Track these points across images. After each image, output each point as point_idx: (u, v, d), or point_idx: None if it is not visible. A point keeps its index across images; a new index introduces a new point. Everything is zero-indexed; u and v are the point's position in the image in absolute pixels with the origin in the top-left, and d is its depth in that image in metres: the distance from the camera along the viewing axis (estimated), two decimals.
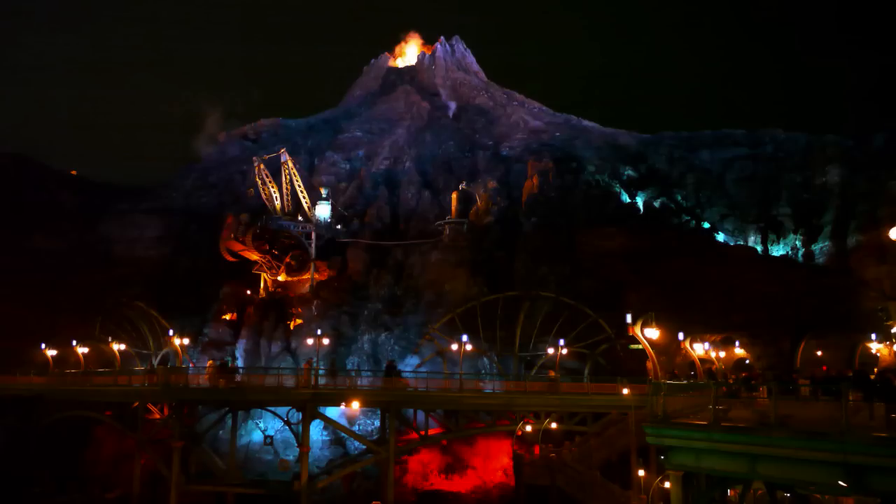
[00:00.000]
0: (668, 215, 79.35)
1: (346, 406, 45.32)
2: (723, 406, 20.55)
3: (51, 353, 58.74)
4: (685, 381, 33.21)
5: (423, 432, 43.81)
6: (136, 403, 47.25)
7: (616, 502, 37.57)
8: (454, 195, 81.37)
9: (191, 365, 55.71)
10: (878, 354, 38.97)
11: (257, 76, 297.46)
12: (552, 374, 45.64)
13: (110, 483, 51.32)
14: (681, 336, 40.60)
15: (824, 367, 33.15)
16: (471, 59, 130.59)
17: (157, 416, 48.00)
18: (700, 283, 59.81)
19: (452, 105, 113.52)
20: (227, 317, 72.44)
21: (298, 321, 68.22)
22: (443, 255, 71.62)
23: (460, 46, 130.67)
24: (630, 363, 47.39)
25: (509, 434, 45.21)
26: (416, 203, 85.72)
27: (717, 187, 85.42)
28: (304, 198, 79.36)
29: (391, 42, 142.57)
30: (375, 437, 49.35)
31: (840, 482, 16.94)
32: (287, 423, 45.73)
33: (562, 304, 52.97)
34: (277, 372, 48.04)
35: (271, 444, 52.50)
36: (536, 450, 43.69)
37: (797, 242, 75.34)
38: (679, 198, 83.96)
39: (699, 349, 42.04)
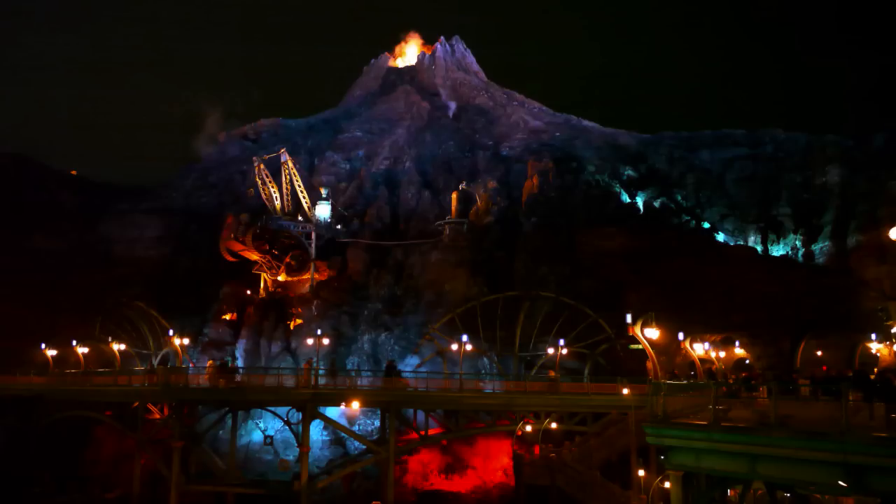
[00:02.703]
0: (668, 215, 79.36)
1: (346, 406, 45.33)
2: (723, 406, 20.55)
3: (51, 353, 58.73)
4: (685, 381, 33.20)
5: (423, 432, 43.81)
6: (136, 403, 47.25)
7: (616, 502, 37.56)
8: (454, 195, 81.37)
9: (191, 365, 55.71)
10: (878, 354, 38.97)
11: (257, 76, 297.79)
12: (552, 374, 45.64)
13: (110, 483, 51.32)
14: (681, 336, 40.60)
15: (824, 367, 33.17)
16: (471, 59, 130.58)
17: (157, 416, 48.00)
18: (700, 283, 59.82)
19: (452, 105, 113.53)
20: (227, 317, 72.45)
21: (298, 321, 68.23)
22: (443, 255, 71.62)
23: (460, 46, 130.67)
24: (630, 363, 47.39)
25: (509, 434, 45.20)
26: (416, 203, 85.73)
27: (717, 187, 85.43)
28: (304, 198, 79.37)
29: (391, 42, 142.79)
30: (375, 437, 49.36)
31: (840, 482, 16.94)
32: (287, 423, 45.75)
33: (562, 304, 52.96)
34: (277, 372, 48.03)
35: (271, 444, 52.50)
36: (536, 450, 43.69)
37: (797, 242, 75.34)
38: (679, 198, 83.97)
39: (699, 349, 42.04)
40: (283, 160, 78.42)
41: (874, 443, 16.07)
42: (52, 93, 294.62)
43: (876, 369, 29.79)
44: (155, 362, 59.39)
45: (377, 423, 52.82)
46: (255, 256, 75.14)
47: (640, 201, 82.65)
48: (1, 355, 57.91)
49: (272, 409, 47.86)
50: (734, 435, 18.95)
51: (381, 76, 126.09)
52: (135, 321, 63.77)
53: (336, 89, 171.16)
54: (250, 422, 58.49)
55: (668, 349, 42.89)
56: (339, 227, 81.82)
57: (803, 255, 73.66)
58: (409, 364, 55.79)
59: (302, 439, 41.28)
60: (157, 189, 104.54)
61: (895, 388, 18.06)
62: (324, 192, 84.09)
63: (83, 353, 57.76)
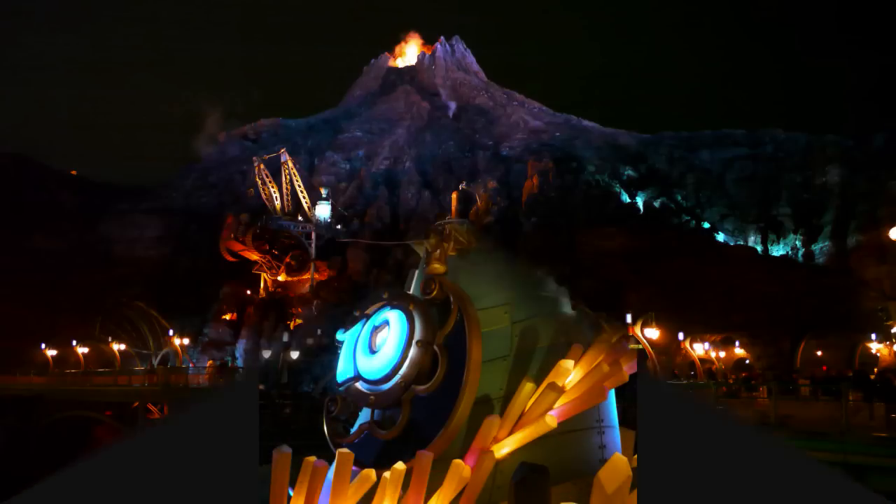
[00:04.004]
0: (668, 215, 79.44)
1: None
2: (723, 406, 20.54)
3: (51, 353, 58.73)
4: (685, 381, 33.20)
5: None
6: (136, 403, 47.25)
7: None
8: (454, 195, 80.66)
9: (191, 365, 55.69)
10: (878, 354, 38.97)
11: (257, 76, 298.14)
12: None
13: None
14: (681, 336, 40.62)
15: (824, 367, 33.21)
16: (471, 59, 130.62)
17: (157, 416, 47.96)
18: (700, 283, 59.84)
19: (452, 105, 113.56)
20: (227, 317, 72.44)
21: (298, 321, 68.23)
22: None
23: (460, 46, 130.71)
24: None
25: None
26: (416, 203, 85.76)
27: (717, 187, 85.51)
28: (304, 198, 79.35)
29: (391, 42, 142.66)
30: None
31: None
32: None
33: None
34: None
35: None
36: None
37: (797, 242, 75.38)
38: (679, 198, 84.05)
39: (699, 349, 42.03)
40: (283, 160, 78.40)
41: (874, 443, 16.07)
42: (52, 93, 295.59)
43: (876, 369, 29.82)
44: (155, 362, 59.31)
45: None
46: (255, 256, 75.11)
47: (640, 201, 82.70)
48: (1, 355, 57.82)
49: None
50: None
51: (381, 76, 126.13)
52: (135, 321, 63.68)
53: (336, 89, 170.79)
54: None
55: (668, 349, 42.88)
56: (339, 227, 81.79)
57: (803, 255, 73.71)
58: None
59: None
60: (157, 189, 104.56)
61: (895, 388, 18.06)
62: (324, 192, 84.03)
63: (83, 353, 57.73)
